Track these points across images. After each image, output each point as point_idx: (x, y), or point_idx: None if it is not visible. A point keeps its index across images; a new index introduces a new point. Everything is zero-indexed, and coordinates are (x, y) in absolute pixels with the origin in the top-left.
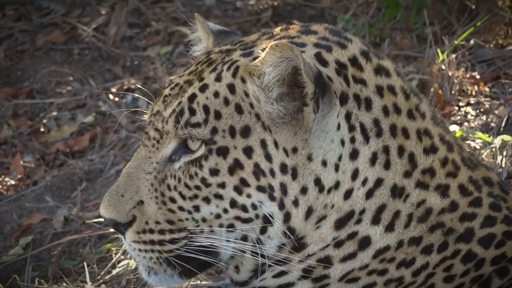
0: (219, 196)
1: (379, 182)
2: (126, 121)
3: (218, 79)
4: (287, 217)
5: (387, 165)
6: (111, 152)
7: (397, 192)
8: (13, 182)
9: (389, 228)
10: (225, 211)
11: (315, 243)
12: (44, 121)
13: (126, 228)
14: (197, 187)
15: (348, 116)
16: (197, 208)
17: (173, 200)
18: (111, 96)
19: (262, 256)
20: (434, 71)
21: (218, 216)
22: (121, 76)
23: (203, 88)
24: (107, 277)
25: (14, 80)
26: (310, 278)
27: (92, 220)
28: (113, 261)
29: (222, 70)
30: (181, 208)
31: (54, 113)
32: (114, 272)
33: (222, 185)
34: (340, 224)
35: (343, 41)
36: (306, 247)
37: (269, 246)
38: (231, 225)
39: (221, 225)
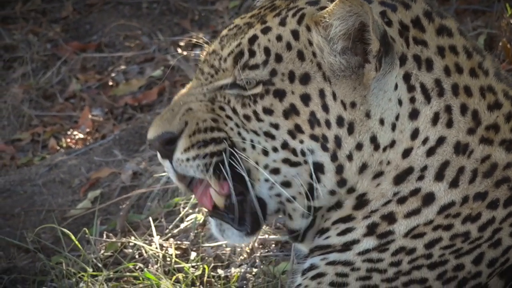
0: (270, 135)
1: (441, 140)
2: (194, 74)
3: (282, 23)
4: (339, 169)
5: (449, 124)
6: None
7: (461, 149)
8: (81, 135)
9: (454, 184)
10: (275, 149)
11: (376, 199)
12: (113, 74)
13: (177, 141)
14: (247, 117)
15: (407, 77)
16: (245, 130)
17: (222, 108)
18: (179, 50)
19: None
20: (502, 25)
21: (265, 153)
22: (190, 30)
23: (266, 30)
24: (175, 231)
25: (82, 34)
26: (375, 234)
27: (160, 174)
28: (181, 215)
29: (287, 16)
30: (228, 117)
31: (123, 67)
32: (182, 226)
33: (275, 126)
34: (399, 179)
35: (407, 1)
36: (368, 203)
37: (322, 193)
38: (276, 169)
39: (265, 166)
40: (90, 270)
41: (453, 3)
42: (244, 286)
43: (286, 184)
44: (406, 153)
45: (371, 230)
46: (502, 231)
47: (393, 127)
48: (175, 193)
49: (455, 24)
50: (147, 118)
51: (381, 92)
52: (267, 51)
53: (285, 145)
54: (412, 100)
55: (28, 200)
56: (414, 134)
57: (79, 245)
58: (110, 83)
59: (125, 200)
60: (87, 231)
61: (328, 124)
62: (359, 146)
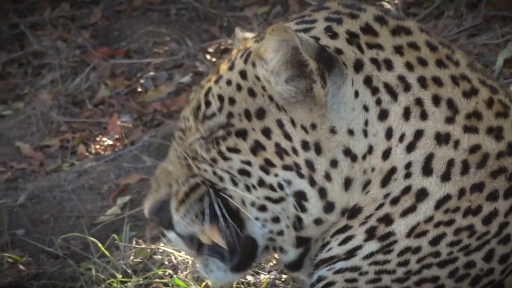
0: (246, 173)
1: (419, 134)
2: None
3: (231, 68)
4: (322, 193)
5: (423, 116)
6: None
7: (442, 138)
8: (110, 142)
9: (445, 177)
10: (254, 187)
11: (368, 205)
12: (141, 81)
13: (170, 206)
14: (214, 160)
15: (368, 80)
16: (215, 162)
17: (194, 158)
18: (208, 56)
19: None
20: None
21: (248, 189)
22: (218, 36)
23: (217, 80)
24: None
25: (111, 40)
26: (376, 237)
27: None
28: None
29: (235, 59)
30: (200, 161)
31: (151, 73)
32: None
33: (248, 163)
34: (385, 182)
35: (355, 11)
36: (361, 211)
37: (309, 222)
38: (262, 206)
39: (252, 204)
40: (119, 276)
41: (482, 9)
42: None
43: (275, 220)
44: (386, 154)
45: (370, 234)
46: (510, 226)
47: (365, 133)
48: None
49: (415, 24)
50: (176, 124)
51: (341, 105)
52: (220, 98)
53: (261, 183)
54: (378, 101)
55: (57, 206)
56: (389, 134)
57: (106, 253)
58: (139, 89)
59: None
60: (116, 238)
61: (295, 151)
62: (333, 163)
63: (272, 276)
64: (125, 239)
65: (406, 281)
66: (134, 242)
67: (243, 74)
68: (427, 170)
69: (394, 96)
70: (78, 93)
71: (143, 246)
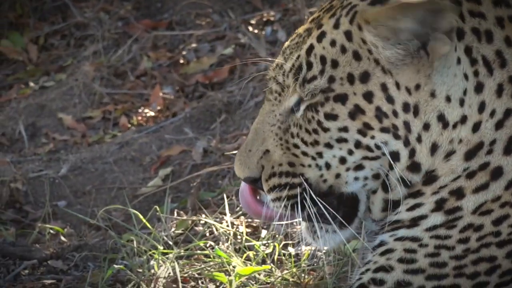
0: (343, 140)
1: (508, 112)
2: (265, 53)
3: (336, 25)
4: (412, 153)
5: None
6: (250, 84)
7: None
8: (152, 113)
9: None
10: (351, 152)
11: (446, 175)
12: (184, 52)
13: (260, 183)
14: (315, 131)
15: (468, 50)
16: (320, 154)
17: (296, 146)
18: (250, 28)
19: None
20: None
21: (343, 161)
22: (261, 8)
23: (321, 37)
24: None
25: (153, 12)
26: (443, 210)
27: (231, 152)
28: None
29: (341, 16)
30: (304, 154)
31: (194, 45)
32: None
33: (344, 129)
34: (470, 155)
35: None
36: (437, 179)
37: (397, 183)
38: (359, 166)
39: (347, 169)
40: (161, 248)
41: None
42: (315, 264)
43: (375, 177)
44: (476, 127)
45: (439, 205)
46: None
47: (461, 102)
48: None
49: None
50: (218, 96)
51: (445, 69)
52: (323, 60)
53: (358, 144)
54: (476, 73)
55: (99, 178)
56: (481, 107)
57: (148, 224)
58: (181, 61)
59: (196, 178)
60: (158, 209)
61: (395, 113)
62: (426, 127)
63: (313, 248)
64: (166, 210)
65: (464, 259)
66: (175, 214)
67: (348, 36)
68: (508, 149)
69: (490, 70)
70: (120, 65)
71: (185, 217)
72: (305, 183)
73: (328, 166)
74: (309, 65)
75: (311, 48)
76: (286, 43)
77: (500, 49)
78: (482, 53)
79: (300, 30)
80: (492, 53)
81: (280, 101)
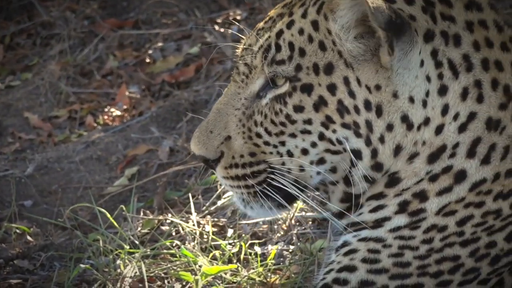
0: (306, 132)
1: (472, 116)
2: (231, 51)
3: (304, 15)
4: (374, 153)
5: (480, 99)
6: (216, 82)
7: (493, 125)
8: (118, 112)
9: (485, 161)
10: (314, 144)
11: (409, 178)
12: (150, 52)
13: (216, 164)
14: (282, 124)
15: (434, 53)
16: (282, 143)
17: (259, 135)
18: (216, 27)
19: (353, 187)
20: None
21: (305, 152)
22: (227, 7)
23: (290, 24)
24: (212, 208)
25: (119, 11)
26: (406, 212)
27: None
28: (218, 192)
29: (309, 6)
30: (266, 143)
31: (160, 44)
32: (219, 203)
33: (308, 122)
34: (433, 158)
35: None
36: (400, 181)
37: (359, 179)
38: (321, 159)
39: (311, 162)
40: (127, 247)
41: None
42: (281, 263)
43: (333, 170)
44: (439, 129)
45: (402, 208)
46: None
47: (424, 104)
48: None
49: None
50: (184, 95)
51: (406, 71)
52: (291, 46)
53: (321, 136)
54: (440, 76)
55: (65, 177)
56: (445, 110)
57: (115, 223)
58: (147, 60)
59: (162, 177)
60: (124, 208)
61: (357, 110)
62: (389, 127)
63: (279, 247)
64: (132, 210)
65: (427, 259)
66: (141, 213)
67: (315, 25)
68: (471, 152)
69: (455, 73)
70: (87, 64)
71: (151, 217)
72: (270, 169)
73: (290, 154)
74: (278, 48)
75: (280, 32)
76: (259, 24)
77: (468, 53)
78: (448, 56)
79: (273, 13)
80: (459, 56)
81: (247, 84)
